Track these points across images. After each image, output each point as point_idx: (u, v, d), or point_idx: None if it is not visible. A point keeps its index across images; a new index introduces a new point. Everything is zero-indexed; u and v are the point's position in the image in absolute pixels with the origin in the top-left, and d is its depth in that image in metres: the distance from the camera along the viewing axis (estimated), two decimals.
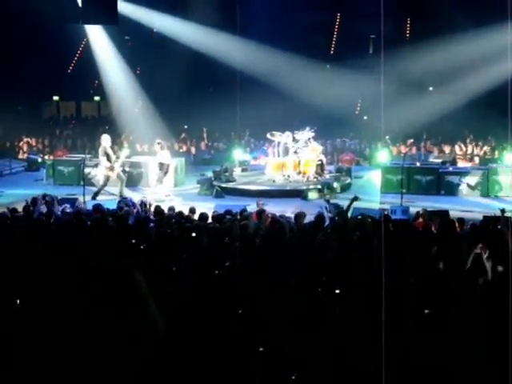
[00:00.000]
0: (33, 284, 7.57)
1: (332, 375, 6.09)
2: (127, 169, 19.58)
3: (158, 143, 18.67)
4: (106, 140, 18.22)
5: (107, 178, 18.03)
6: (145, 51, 28.60)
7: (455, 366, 6.15)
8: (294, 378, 6.04)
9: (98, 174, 18.67)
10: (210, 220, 11.53)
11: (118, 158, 18.25)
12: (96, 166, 18.77)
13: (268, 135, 19.91)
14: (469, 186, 18.53)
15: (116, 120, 27.14)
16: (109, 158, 17.96)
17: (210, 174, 19.59)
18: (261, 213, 11.66)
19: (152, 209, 12.90)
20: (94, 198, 17.24)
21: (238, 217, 11.59)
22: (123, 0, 22.49)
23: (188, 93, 27.88)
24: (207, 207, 14.22)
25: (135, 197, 16.08)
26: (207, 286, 7.50)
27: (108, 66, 26.12)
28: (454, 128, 25.46)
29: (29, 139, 26.58)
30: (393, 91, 21.88)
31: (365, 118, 27.91)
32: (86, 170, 18.60)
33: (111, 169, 17.91)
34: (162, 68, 27.08)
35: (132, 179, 19.64)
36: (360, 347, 6.22)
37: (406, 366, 6.07)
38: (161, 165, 18.30)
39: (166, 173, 18.38)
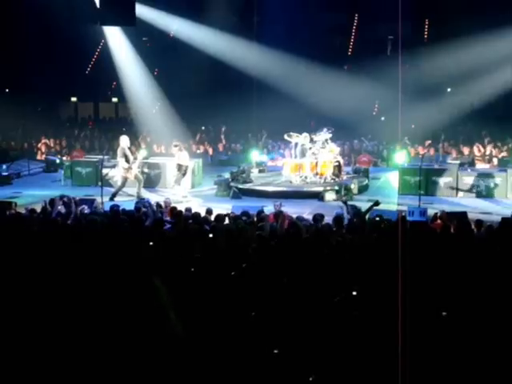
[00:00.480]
0: (50, 286, 7.59)
1: (349, 376, 6.07)
2: (146, 170, 19.66)
3: (176, 145, 18.69)
4: (124, 141, 18.26)
5: (125, 179, 18.09)
6: (163, 52, 28.66)
7: (472, 367, 6.11)
8: (311, 379, 6.02)
9: (115, 175, 18.74)
10: (226, 221, 11.55)
11: (135, 159, 18.29)
12: (114, 166, 18.83)
13: (285, 136, 19.86)
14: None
15: (134, 121, 27.24)
16: (127, 159, 18.02)
17: (227, 175, 19.58)
18: (278, 214, 11.65)
19: (168, 210, 12.96)
20: (111, 198, 17.29)
21: (255, 218, 11.59)
22: (140, 4, 22.51)
23: (206, 94, 27.90)
24: (224, 208, 14.24)
25: (153, 198, 16.13)
26: (223, 287, 7.50)
27: (126, 67, 26.21)
28: (472, 129, 25.33)
29: (47, 140, 26.72)
30: (410, 92, 21.84)
31: (382, 119, 27.83)
32: (104, 171, 18.65)
33: (129, 170, 17.97)
34: (179, 69, 27.12)
35: (150, 180, 19.71)
36: (377, 349, 6.20)
37: (423, 367, 6.04)
38: (179, 166, 18.33)
39: (184, 174, 18.40)
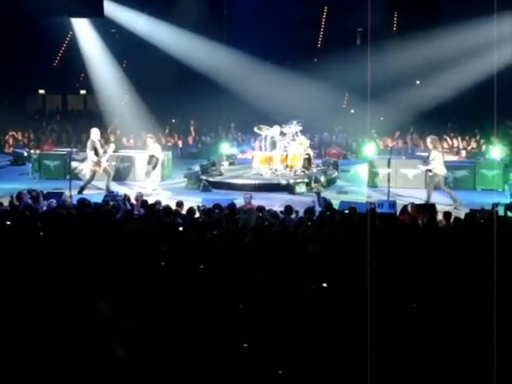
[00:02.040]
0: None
1: (319, 370, 6.09)
2: (117, 163, 19.56)
3: (151, 137, 18.66)
4: (95, 134, 18.12)
5: (94, 173, 17.95)
6: (131, 44, 28.44)
7: (441, 359, 6.17)
8: (280, 372, 6.02)
9: (84, 168, 18.57)
10: (197, 214, 11.54)
11: (105, 152, 18.15)
12: (83, 160, 18.65)
13: (255, 129, 19.86)
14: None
15: (102, 114, 27.05)
16: (96, 152, 17.88)
17: (197, 168, 19.54)
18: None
19: (135, 202, 12.94)
20: (80, 192, 17.15)
21: (227, 211, 11.58)
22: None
23: (175, 86, 27.76)
24: (194, 201, 14.21)
25: (122, 191, 16.04)
26: (193, 281, 7.49)
27: (94, 59, 26.00)
28: (441, 122, 25.53)
29: (14, 133, 26.43)
30: (380, 85, 21.91)
31: (352, 111, 27.94)
32: (73, 164, 18.48)
33: (98, 163, 17.82)
34: (148, 61, 26.97)
35: (119, 173, 19.59)
36: (346, 342, 6.23)
37: (392, 360, 6.08)
38: (150, 158, 18.26)
39: (154, 167, 18.34)
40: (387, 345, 6.17)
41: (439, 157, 16.13)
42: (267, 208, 11.92)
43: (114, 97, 26.25)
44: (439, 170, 16.05)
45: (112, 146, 18.88)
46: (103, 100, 27.11)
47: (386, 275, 7.35)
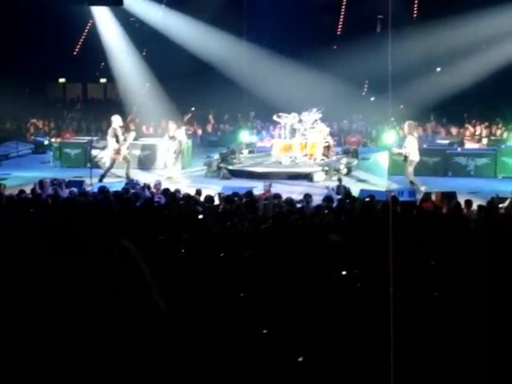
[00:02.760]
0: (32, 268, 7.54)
1: (339, 358, 6.09)
2: (138, 152, 19.64)
3: (174, 123, 18.68)
4: (116, 121, 18.13)
5: (113, 161, 17.98)
6: (151, 32, 28.43)
7: (462, 348, 6.15)
8: (300, 360, 6.03)
9: (104, 156, 18.61)
10: (217, 202, 11.57)
11: (125, 140, 18.18)
12: (103, 148, 18.70)
13: (275, 117, 19.81)
14: None
15: (122, 102, 27.09)
16: (117, 140, 17.91)
17: (216, 156, 19.55)
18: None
19: (155, 190, 13.00)
20: (100, 180, 17.23)
21: (245, 199, 11.59)
22: None
23: (195, 74, 27.72)
24: (214, 189, 14.24)
25: (142, 179, 16.10)
26: (213, 268, 7.51)
27: (114, 47, 26.04)
28: (462, 109, 25.34)
29: (35, 121, 26.56)
30: (400, 72, 21.74)
31: (372, 99, 27.77)
32: (93, 152, 18.55)
33: (118, 151, 17.85)
34: (168, 50, 26.93)
35: (140, 161, 19.67)
36: (368, 331, 6.22)
37: (414, 348, 6.06)
38: (178, 144, 18.25)
39: (179, 153, 18.32)
40: (409, 334, 6.15)
41: (414, 143, 16.11)
42: (286, 196, 11.93)
43: (134, 85, 26.28)
44: (414, 156, 16.05)
45: (132, 134, 18.93)
46: (123, 88, 27.16)
47: (409, 263, 7.32)
